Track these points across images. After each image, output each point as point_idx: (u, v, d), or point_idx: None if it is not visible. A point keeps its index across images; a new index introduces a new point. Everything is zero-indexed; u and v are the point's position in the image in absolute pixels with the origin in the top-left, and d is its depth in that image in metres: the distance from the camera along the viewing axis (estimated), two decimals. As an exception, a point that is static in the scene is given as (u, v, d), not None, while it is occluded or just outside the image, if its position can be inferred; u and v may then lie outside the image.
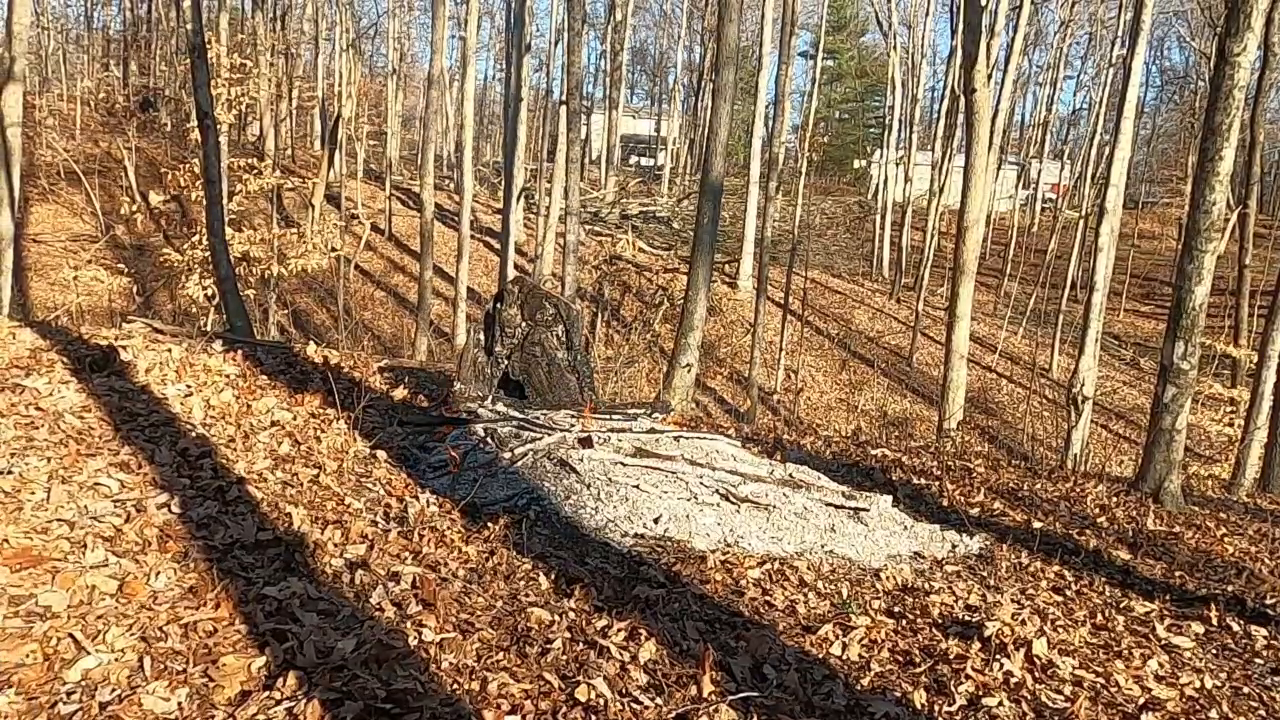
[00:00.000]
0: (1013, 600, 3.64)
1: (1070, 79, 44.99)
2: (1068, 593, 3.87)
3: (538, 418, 5.06)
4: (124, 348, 4.84)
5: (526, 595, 2.98)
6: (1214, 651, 3.38)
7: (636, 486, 4.20)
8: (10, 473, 2.95)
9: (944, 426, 11.93)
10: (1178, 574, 4.36)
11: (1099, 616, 3.56)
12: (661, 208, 33.93)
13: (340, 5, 34.57)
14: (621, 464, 4.40)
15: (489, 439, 4.68)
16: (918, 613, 3.35)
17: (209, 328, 12.67)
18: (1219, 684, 3.05)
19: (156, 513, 2.92)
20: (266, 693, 2.06)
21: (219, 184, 11.23)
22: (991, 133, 15.06)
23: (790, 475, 4.77)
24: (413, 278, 24.19)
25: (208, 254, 13.00)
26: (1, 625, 2.16)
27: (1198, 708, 2.84)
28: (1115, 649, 3.23)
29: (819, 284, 28.31)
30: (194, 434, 3.81)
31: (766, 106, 25.63)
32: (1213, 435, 18.23)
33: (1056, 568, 4.19)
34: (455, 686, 2.26)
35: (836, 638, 3.01)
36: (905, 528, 4.42)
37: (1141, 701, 2.81)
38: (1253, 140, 17.33)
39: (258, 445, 3.92)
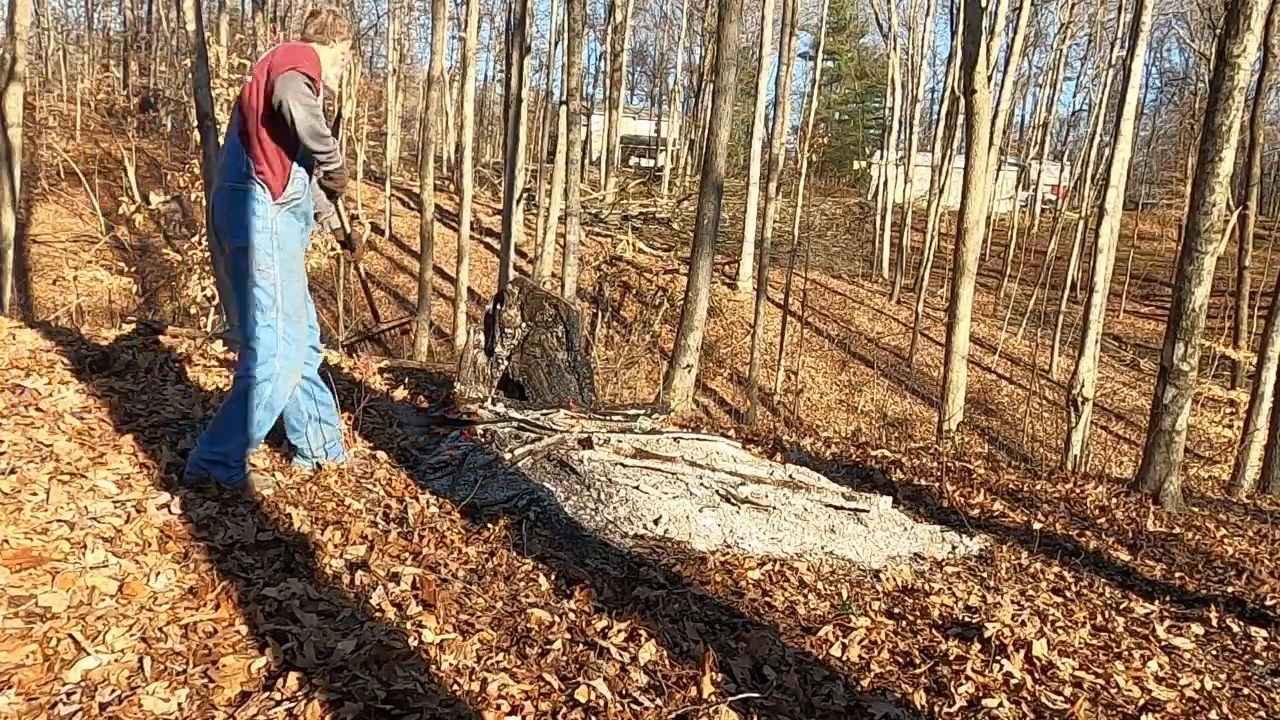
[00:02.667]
0: (1013, 601, 3.64)
1: (1070, 80, 45.07)
2: (1068, 594, 3.87)
3: (538, 418, 5.06)
4: (124, 348, 4.84)
5: (526, 596, 2.98)
6: (1214, 653, 3.38)
7: (636, 487, 4.20)
8: (11, 473, 2.95)
9: (944, 427, 11.94)
10: (1177, 575, 4.36)
11: (1099, 618, 3.56)
12: (661, 209, 33.93)
13: (340, 6, 34.61)
14: (622, 465, 4.40)
15: (489, 440, 4.68)
16: (918, 614, 3.35)
17: (209, 328, 12.67)
18: (1219, 685, 3.05)
19: (157, 513, 2.92)
20: (266, 693, 2.06)
21: (219, 184, 11.22)
22: (991, 134, 15.08)
23: (790, 476, 4.77)
24: (413, 278, 24.19)
25: (208, 254, 13.01)
26: (1, 626, 2.16)
27: (1198, 709, 2.84)
28: (1115, 650, 3.23)
29: (819, 285, 28.32)
30: (194, 435, 3.81)
31: (766, 107, 25.66)
32: (1212, 436, 18.26)
33: (1056, 569, 4.19)
34: (455, 687, 2.26)
35: (836, 639, 3.01)
36: (905, 529, 4.41)
37: (1141, 703, 2.81)
38: (1252, 141, 17.36)
39: (258, 446, 3.91)
